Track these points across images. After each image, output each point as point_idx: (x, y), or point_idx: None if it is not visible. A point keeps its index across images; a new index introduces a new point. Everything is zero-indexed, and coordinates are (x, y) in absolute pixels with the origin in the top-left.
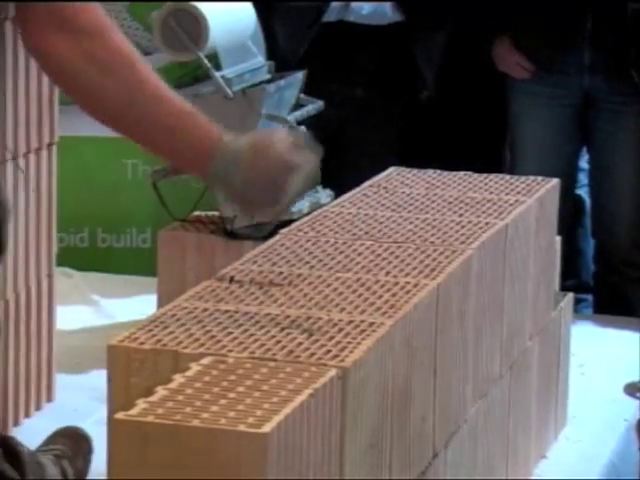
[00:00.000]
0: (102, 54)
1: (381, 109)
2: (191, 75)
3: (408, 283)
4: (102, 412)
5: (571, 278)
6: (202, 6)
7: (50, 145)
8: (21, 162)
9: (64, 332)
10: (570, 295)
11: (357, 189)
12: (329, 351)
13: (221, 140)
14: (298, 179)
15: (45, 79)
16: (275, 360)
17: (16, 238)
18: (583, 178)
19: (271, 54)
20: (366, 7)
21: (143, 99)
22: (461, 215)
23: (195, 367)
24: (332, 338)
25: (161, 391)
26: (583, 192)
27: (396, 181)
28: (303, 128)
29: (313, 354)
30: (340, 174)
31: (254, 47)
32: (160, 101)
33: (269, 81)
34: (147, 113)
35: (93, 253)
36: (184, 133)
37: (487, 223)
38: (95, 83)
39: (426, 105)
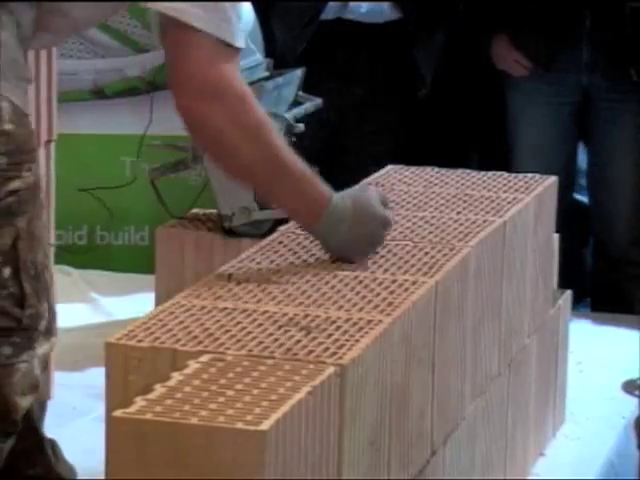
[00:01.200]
0: (246, 120)
1: (379, 107)
2: None
3: (406, 281)
4: (100, 410)
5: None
6: None
7: (48, 142)
8: None
9: (62, 330)
10: (568, 292)
11: (355, 187)
12: (327, 349)
13: (330, 201)
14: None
15: (43, 76)
16: (273, 358)
17: None
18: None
19: (269, 51)
20: (364, 5)
21: (275, 164)
22: (459, 213)
23: (193, 365)
24: (330, 336)
25: (159, 389)
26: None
27: (394, 179)
28: (301, 125)
29: (311, 352)
30: (338, 171)
31: (252, 45)
32: (287, 166)
33: (267, 79)
34: (276, 177)
35: (91, 251)
36: (304, 194)
37: (485, 221)
38: (237, 146)
39: (424, 103)
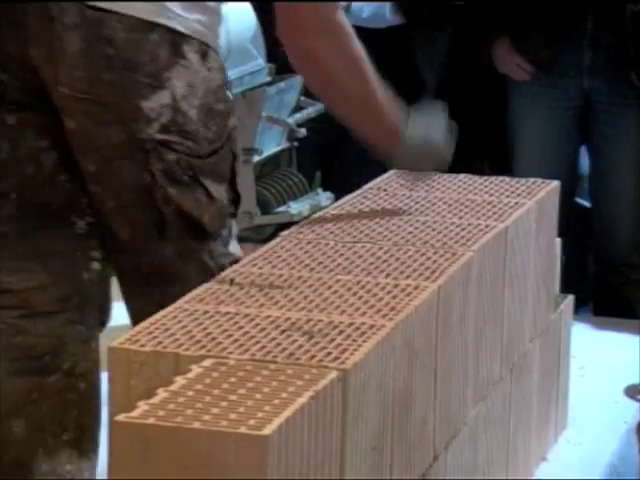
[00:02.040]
0: (351, 51)
1: None
2: None
3: (408, 285)
4: (103, 414)
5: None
6: None
7: None
8: None
9: None
10: (570, 297)
11: (357, 191)
12: (330, 353)
13: (404, 130)
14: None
15: None
16: (276, 362)
17: None
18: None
19: (271, 56)
20: (366, 10)
21: (372, 94)
22: (461, 217)
23: (196, 369)
24: (332, 340)
25: (162, 393)
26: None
27: (396, 183)
28: (303, 130)
29: (314, 356)
30: (340, 177)
31: (254, 49)
32: (376, 94)
33: (269, 84)
34: (369, 105)
35: None
36: (387, 122)
37: (487, 225)
38: (340, 77)
39: None
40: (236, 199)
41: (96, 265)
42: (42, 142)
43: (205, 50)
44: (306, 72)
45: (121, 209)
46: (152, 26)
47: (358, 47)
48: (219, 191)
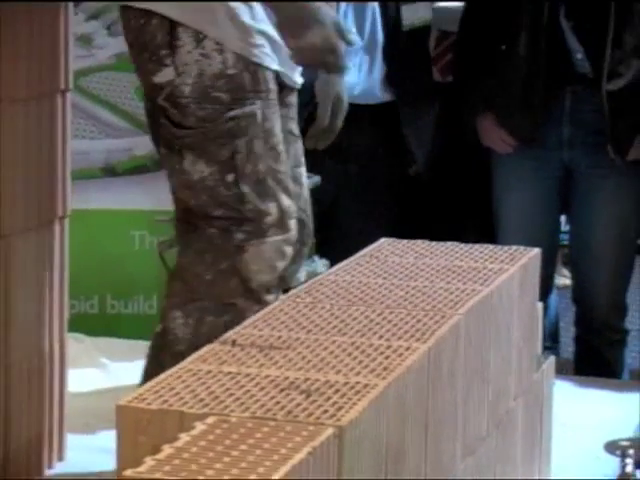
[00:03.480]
0: None
1: (373, 184)
2: None
3: (400, 346)
4: (111, 470)
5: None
6: None
7: (62, 218)
8: (33, 235)
9: (74, 394)
10: (552, 358)
11: (351, 258)
12: (326, 411)
13: None
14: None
15: (59, 157)
16: (275, 420)
17: (30, 305)
18: None
19: None
20: (358, 88)
21: None
22: (449, 282)
23: (200, 426)
24: (329, 398)
25: (168, 449)
26: None
27: (387, 251)
28: None
29: (311, 414)
30: (335, 245)
31: None
32: None
33: None
34: None
35: (103, 319)
36: None
37: (473, 290)
38: None
39: (415, 179)
40: (241, 196)
41: None
42: None
43: (201, 37)
44: None
45: None
46: (152, 14)
47: None
48: (197, 165)
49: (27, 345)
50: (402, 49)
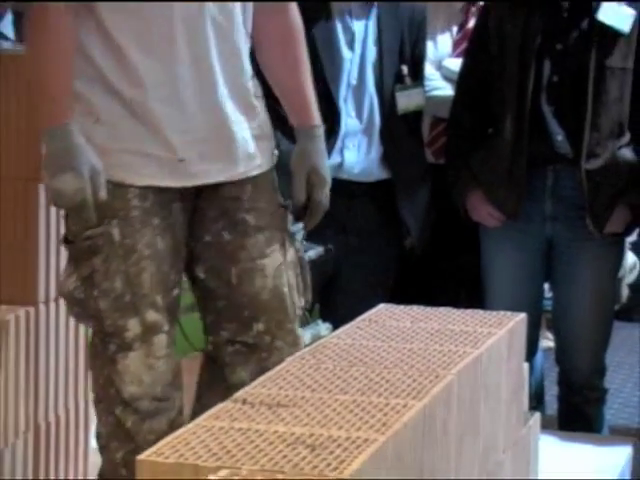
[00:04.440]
0: (283, 29)
1: (372, 254)
2: None
3: (398, 404)
4: None
5: None
6: None
7: None
8: (53, 305)
9: (91, 449)
10: (537, 414)
11: (352, 323)
12: (330, 464)
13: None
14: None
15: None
16: (283, 472)
17: (57, 366)
18: None
19: None
20: (357, 167)
21: (296, 69)
22: (442, 345)
23: (213, 479)
24: (332, 452)
25: None
26: None
27: (385, 315)
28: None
29: (316, 466)
30: (337, 310)
31: None
32: (300, 77)
33: None
34: (290, 79)
35: None
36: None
37: (465, 352)
38: (271, 50)
39: (411, 251)
40: (99, 312)
41: None
42: None
43: None
44: (256, 45)
45: None
46: None
47: (295, 25)
48: (71, 277)
49: (54, 404)
50: (397, 132)
